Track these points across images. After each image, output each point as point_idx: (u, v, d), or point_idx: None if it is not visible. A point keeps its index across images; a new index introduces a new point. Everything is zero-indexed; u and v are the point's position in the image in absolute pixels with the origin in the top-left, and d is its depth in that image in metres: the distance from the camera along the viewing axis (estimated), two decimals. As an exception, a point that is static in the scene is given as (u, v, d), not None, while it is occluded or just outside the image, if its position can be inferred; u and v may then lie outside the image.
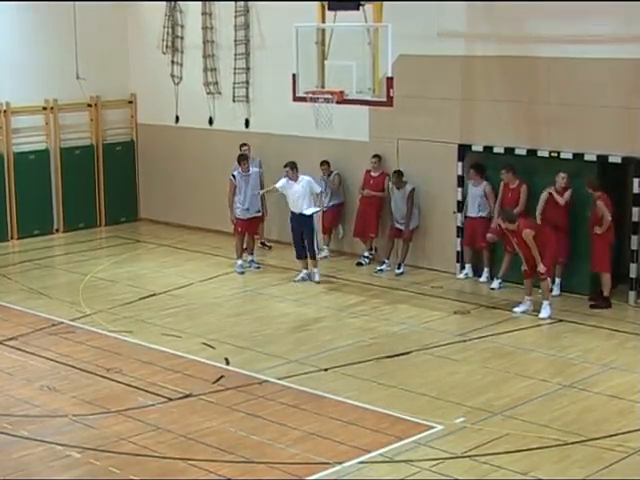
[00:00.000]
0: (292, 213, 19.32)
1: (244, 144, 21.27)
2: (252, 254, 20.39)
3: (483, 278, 19.15)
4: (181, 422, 12.73)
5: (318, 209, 19.52)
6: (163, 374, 14.51)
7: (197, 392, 13.72)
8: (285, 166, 19.24)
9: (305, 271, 19.35)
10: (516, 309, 17.12)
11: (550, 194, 17.69)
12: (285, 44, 18.64)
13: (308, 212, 19.05)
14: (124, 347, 15.80)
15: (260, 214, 20.46)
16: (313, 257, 19.31)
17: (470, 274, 19.24)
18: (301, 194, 19.05)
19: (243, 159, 20.23)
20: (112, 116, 24.86)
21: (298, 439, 12.18)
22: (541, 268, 16.67)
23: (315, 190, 19.28)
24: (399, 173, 19.66)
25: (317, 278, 19.24)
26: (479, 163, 19.04)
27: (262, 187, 20.33)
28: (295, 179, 19.12)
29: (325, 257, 20.91)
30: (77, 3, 23.43)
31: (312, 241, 19.19)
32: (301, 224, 19.14)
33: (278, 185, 19.27)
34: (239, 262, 20.09)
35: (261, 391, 13.79)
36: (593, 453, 11.68)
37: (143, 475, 11.26)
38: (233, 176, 20.24)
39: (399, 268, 19.69)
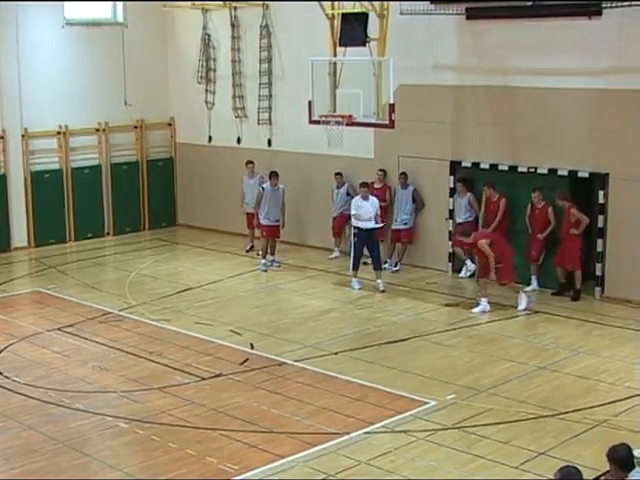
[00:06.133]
0: (358, 229, 18.28)
1: (250, 161, 21.56)
2: (274, 254, 20.31)
3: (462, 274, 19.17)
4: (212, 398, 12.76)
5: (381, 225, 18.56)
6: (197, 356, 14.54)
7: (226, 372, 13.75)
8: (361, 186, 18.65)
9: (356, 279, 18.44)
10: (474, 310, 16.82)
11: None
12: (302, 75, 18.68)
13: (377, 226, 18.26)
14: (164, 333, 15.81)
15: (279, 223, 20.12)
16: (380, 268, 18.48)
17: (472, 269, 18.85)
18: (370, 211, 18.21)
19: (274, 175, 20.03)
20: (154, 136, 24.87)
21: (312, 412, 12.20)
22: (492, 276, 16.59)
23: (377, 211, 18.31)
24: (405, 175, 19.67)
25: (382, 287, 18.16)
26: (464, 177, 19.08)
27: (284, 203, 19.98)
28: (367, 198, 18.32)
29: (336, 257, 20.91)
30: (125, 42, 23.55)
31: (379, 253, 18.50)
32: (368, 238, 18.29)
33: (353, 211, 18.39)
34: (263, 261, 20.03)
35: (281, 371, 13.82)
36: (564, 425, 11.68)
37: (180, 443, 11.30)
38: (262, 188, 20.20)
39: (395, 266, 19.66)
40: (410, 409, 12.27)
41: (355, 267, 18.49)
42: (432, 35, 18.87)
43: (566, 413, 12.03)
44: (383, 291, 18.16)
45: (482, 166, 18.75)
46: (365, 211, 18.19)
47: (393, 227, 19.80)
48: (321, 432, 11.55)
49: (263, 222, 20.05)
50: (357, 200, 18.40)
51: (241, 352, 14.70)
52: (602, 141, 17.05)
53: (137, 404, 12.59)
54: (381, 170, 20.05)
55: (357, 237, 18.39)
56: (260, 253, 20.32)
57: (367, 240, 18.31)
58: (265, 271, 19.89)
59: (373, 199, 18.42)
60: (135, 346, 15.07)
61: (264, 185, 20.18)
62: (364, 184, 18.73)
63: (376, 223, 18.28)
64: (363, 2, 17.18)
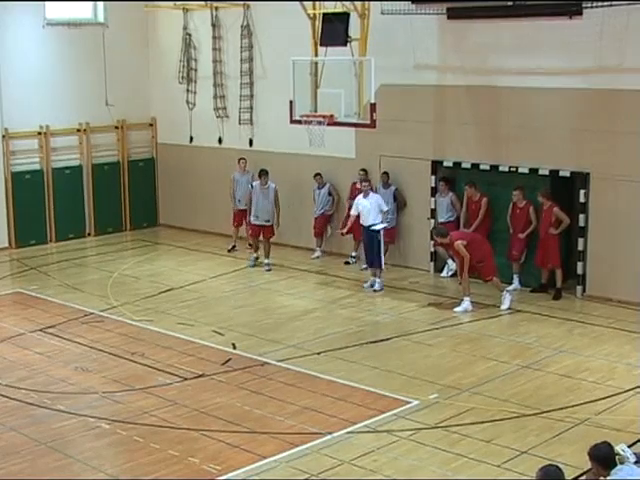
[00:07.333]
0: (363, 226, 18.21)
1: (242, 158, 21.57)
2: (268, 257, 20.04)
3: (444, 273, 19.19)
4: (195, 398, 12.74)
5: (385, 225, 18.22)
6: (179, 357, 14.51)
7: (208, 372, 13.73)
8: (361, 182, 18.66)
9: (372, 279, 18.30)
10: (456, 309, 16.82)
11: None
12: (283, 75, 18.67)
13: (376, 228, 18.00)
14: (146, 334, 15.78)
15: (269, 224, 19.94)
16: (378, 267, 18.20)
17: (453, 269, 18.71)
18: (368, 209, 18.01)
19: (263, 174, 19.92)
20: (135, 137, 24.80)
21: (295, 412, 12.19)
22: (466, 277, 16.66)
23: (382, 208, 18.12)
24: (387, 174, 19.67)
25: (377, 287, 18.07)
26: (446, 177, 19.11)
27: (277, 202, 19.87)
28: (366, 195, 18.12)
29: (318, 257, 20.91)
30: (106, 42, 23.51)
31: (379, 253, 18.12)
32: (370, 237, 18.15)
33: (352, 211, 18.32)
34: (254, 255, 20.12)
35: (263, 372, 13.80)
36: (546, 423, 11.71)
37: (163, 443, 11.27)
38: (251, 186, 20.17)
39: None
40: (393, 409, 12.27)
41: (368, 265, 18.60)
42: (413, 35, 18.90)
43: (548, 412, 12.06)
44: (375, 290, 18.10)
45: (463, 166, 18.78)
46: (365, 209, 18.06)
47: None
48: (304, 432, 11.54)
49: (252, 221, 19.98)
50: (358, 198, 18.32)
51: (223, 352, 14.68)
52: (583, 141, 17.10)
53: (119, 405, 12.56)
54: (363, 170, 20.04)
55: (362, 234, 18.50)
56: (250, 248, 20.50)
57: (367, 237, 18.25)
58: (253, 267, 19.99)
59: (374, 196, 18.22)
60: (117, 347, 15.02)
61: (254, 183, 20.16)
62: (364, 180, 18.76)
63: (381, 222, 18.03)
64: (344, 2, 17.20)
